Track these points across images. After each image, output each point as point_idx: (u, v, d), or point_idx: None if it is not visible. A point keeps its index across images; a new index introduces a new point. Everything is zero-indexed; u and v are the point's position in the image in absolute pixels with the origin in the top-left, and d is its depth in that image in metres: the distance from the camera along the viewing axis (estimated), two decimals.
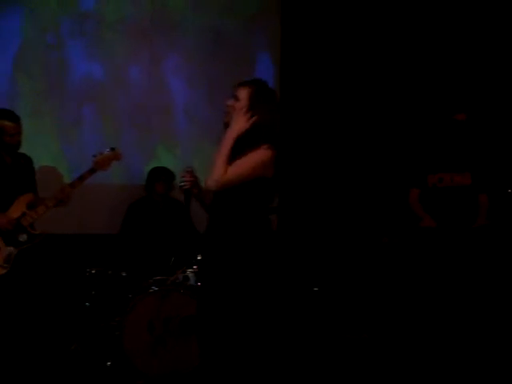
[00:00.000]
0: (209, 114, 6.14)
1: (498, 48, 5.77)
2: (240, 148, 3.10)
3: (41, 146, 5.57)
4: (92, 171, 4.41)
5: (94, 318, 4.59)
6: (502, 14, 5.73)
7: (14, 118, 4.40)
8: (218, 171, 3.05)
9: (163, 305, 4.38)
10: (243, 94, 3.14)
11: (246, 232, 3.09)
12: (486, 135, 5.44)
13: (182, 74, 6.25)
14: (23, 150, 4.58)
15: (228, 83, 6.17)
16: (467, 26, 5.89)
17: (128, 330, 4.35)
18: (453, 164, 4.75)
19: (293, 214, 6.05)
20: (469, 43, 5.89)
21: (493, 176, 4.80)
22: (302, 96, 6.43)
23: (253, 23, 6.41)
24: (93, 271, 4.70)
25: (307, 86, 6.42)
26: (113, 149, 4.48)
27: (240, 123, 3.09)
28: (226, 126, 3.17)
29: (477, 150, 4.82)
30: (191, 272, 4.69)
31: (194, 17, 6.23)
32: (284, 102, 6.44)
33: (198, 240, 5.44)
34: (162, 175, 5.46)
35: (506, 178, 5.15)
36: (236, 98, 3.15)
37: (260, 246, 3.10)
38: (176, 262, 4.84)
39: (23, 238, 4.36)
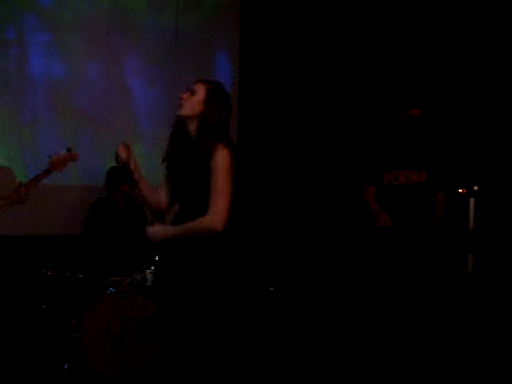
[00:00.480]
0: (169, 114, 6.09)
1: (451, 44, 5.84)
2: (198, 146, 3.09)
3: None
4: (47, 172, 4.34)
5: (50, 321, 4.54)
6: (454, 10, 5.81)
7: None
8: (203, 227, 3.04)
9: (120, 306, 4.36)
10: (201, 89, 3.16)
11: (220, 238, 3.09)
12: (442, 132, 5.49)
13: (141, 74, 6.22)
14: None
15: (188, 83, 6.27)
16: (419, 21, 5.96)
17: (85, 332, 4.31)
18: (408, 161, 4.72)
19: (249, 214, 6.06)
20: (422, 39, 5.95)
21: (449, 174, 4.80)
22: (261, 95, 6.44)
23: (212, 23, 6.40)
24: (49, 273, 4.64)
25: (266, 85, 6.44)
26: (69, 149, 4.41)
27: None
28: (179, 118, 3.19)
29: (433, 148, 4.82)
30: (149, 273, 4.66)
31: (152, 17, 6.20)
32: (243, 101, 6.46)
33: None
34: (128, 174, 5.41)
35: (463, 177, 5.21)
36: (192, 92, 3.15)
37: (229, 251, 3.13)
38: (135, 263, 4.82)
39: None
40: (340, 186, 6.07)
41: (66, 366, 4.41)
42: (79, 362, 4.33)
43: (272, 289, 2.85)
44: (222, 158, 3.04)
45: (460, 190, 4.62)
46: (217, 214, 3.01)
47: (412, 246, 4.40)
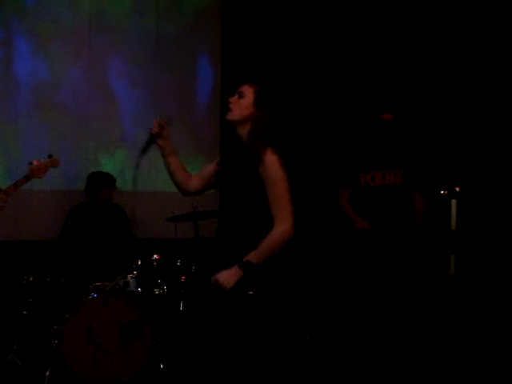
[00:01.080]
0: (151, 117, 6.07)
1: (423, 48, 5.88)
2: (249, 151, 3.04)
3: None
4: (26, 179, 4.29)
5: (31, 327, 4.49)
6: (426, 13, 5.86)
7: None
8: (276, 240, 3.00)
9: (103, 311, 4.32)
10: (249, 91, 3.12)
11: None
12: (417, 133, 5.51)
13: (123, 77, 6.19)
14: None
15: (170, 86, 6.27)
16: (390, 25, 6.01)
17: (67, 338, 4.26)
18: (384, 162, 4.75)
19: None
20: (394, 44, 6.00)
21: (424, 174, 4.82)
22: None
23: (193, 27, 6.40)
24: (30, 278, 4.59)
25: None
26: (50, 156, 4.36)
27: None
28: (230, 123, 3.13)
29: (407, 148, 4.85)
30: (132, 278, 4.64)
31: (134, 21, 6.19)
32: (225, 105, 6.44)
33: (134, 245, 5.42)
34: (108, 181, 5.39)
35: (440, 177, 5.23)
36: (240, 95, 3.11)
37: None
38: (117, 268, 4.79)
39: None
40: (321, 188, 6.06)
41: (47, 372, 4.36)
42: (61, 369, 4.28)
43: (251, 293, 2.85)
44: (273, 165, 3.00)
45: (442, 192, 4.64)
46: (285, 223, 2.99)
47: (395, 248, 4.41)
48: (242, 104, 3.08)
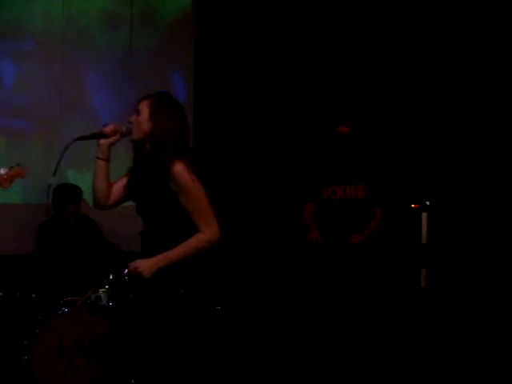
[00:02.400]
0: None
1: (380, 57, 5.96)
2: (155, 163, 3.02)
3: None
4: None
5: (0, 343, 4.42)
6: (382, 22, 5.94)
7: None
8: (202, 244, 3.01)
9: (74, 326, 4.27)
10: (144, 106, 3.07)
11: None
12: (378, 146, 5.55)
13: (95, 91, 6.16)
14: None
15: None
16: (347, 37, 6.10)
17: (37, 354, 4.21)
18: (346, 176, 4.78)
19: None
20: (350, 54, 6.08)
21: (386, 189, 4.85)
22: (215, 113, 6.46)
23: (166, 40, 6.41)
24: (0, 294, 4.54)
25: (220, 104, 6.46)
26: (18, 164, 4.18)
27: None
28: (133, 143, 3.13)
29: (369, 162, 4.88)
30: (103, 292, 4.60)
31: (107, 34, 6.18)
32: (197, 121, 6.46)
33: (109, 250, 5.38)
34: (74, 193, 5.35)
35: (401, 193, 5.27)
36: (137, 112, 3.08)
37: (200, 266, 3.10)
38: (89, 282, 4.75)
39: None
40: (285, 201, 6.06)
41: None
42: None
43: (219, 308, 2.84)
44: (182, 176, 2.96)
45: (412, 205, 4.69)
46: (211, 230, 3.00)
47: (335, 263, 4.43)
48: (140, 120, 3.06)
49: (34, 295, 4.60)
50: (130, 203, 6.12)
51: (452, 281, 5.18)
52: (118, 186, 3.22)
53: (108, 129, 3.11)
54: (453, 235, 5.34)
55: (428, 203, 4.72)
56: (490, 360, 4.46)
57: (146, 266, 2.99)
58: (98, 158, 3.16)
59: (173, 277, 3.02)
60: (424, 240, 4.72)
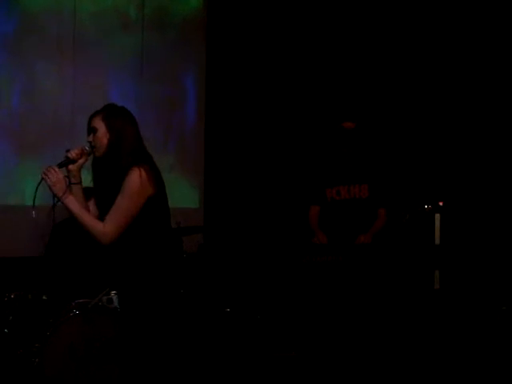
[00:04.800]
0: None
1: (388, 53, 5.92)
2: (113, 173, 3.14)
3: None
4: None
5: (12, 345, 4.42)
6: (386, 20, 5.90)
7: None
8: (95, 230, 3.14)
9: (85, 329, 4.27)
10: (97, 121, 3.20)
11: (151, 257, 3.18)
12: (383, 147, 5.51)
13: (106, 92, 6.16)
14: None
15: (154, 101, 6.26)
16: (352, 34, 6.08)
17: (48, 357, 4.21)
18: (350, 176, 4.73)
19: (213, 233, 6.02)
20: (354, 51, 6.04)
21: (390, 189, 4.80)
22: (227, 115, 6.45)
23: (178, 41, 6.41)
24: (11, 296, 4.55)
25: (232, 105, 6.45)
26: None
27: (59, 192, 3.13)
28: (101, 159, 3.21)
29: (374, 162, 4.83)
30: (115, 294, 4.59)
31: (118, 36, 6.18)
32: (209, 121, 6.46)
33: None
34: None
35: (414, 193, 5.22)
36: (93, 130, 3.20)
37: (164, 269, 3.19)
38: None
39: None
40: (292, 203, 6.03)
41: None
42: None
43: (229, 310, 2.84)
44: (130, 179, 3.07)
45: (426, 206, 4.64)
46: (111, 229, 3.11)
47: (343, 264, 4.39)
48: (99, 137, 3.18)
49: (45, 297, 4.59)
50: None
51: (466, 282, 5.13)
52: (93, 210, 3.33)
53: (74, 153, 3.20)
54: (466, 236, 5.29)
55: (441, 204, 4.67)
56: (503, 361, 4.41)
57: (57, 179, 3.13)
58: (72, 184, 3.24)
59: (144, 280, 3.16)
60: (437, 241, 4.67)
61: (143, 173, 3.08)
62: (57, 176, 3.12)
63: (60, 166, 3.21)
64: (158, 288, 3.17)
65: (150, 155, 3.24)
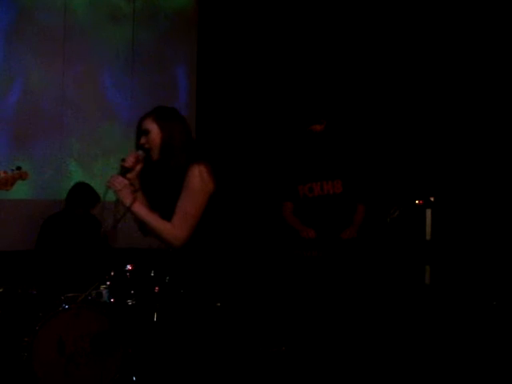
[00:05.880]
0: (127, 124, 6.08)
1: (353, 53, 5.92)
2: (172, 175, 3.09)
3: None
4: None
5: (1, 339, 4.40)
6: (358, 19, 5.89)
7: None
8: (167, 235, 3.07)
9: (74, 323, 4.24)
10: (148, 122, 3.14)
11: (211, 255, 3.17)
12: (354, 143, 5.48)
13: (97, 84, 6.13)
14: None
15: (145, 93, 6.22)
16: (323, 37, 6.07)
17: (37, 351, 4.18)
18: (321, 173, 4.72)
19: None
20: (324, 50, 6.03)
21: (365, 184, 4.79)
22: (218, 107, 6.42)
23: (169, 34, 6.39)
24: (0, 290, 4.51)
25: (223, 99, 6.43)
26: (19, 168, 4.20)
27: (126, 199, 3.09)
28: (152, 161, 3.15)
29: (346, 157, 4.82)
30: (104, 288, 4.57)
31: (109, 28, 6.14)
32: (199, 114, 6.43)
33: (110, 255, 5.35)
34: (90, 203, 5.30)
35: (419, 188, 5.22)
36: (146, 132, 3.14)
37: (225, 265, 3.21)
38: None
39: None
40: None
41: None
42: (31, 382, 4.20)
43: (219, 304, 2.83)
44: (193, 175, 3.04)
45: (417, 201, 4.64)
46: (180, 231, 3.05)
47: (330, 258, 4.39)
48: (152, 138, 3.13)
49: (34, 291, 4.57)
50: None
51: (456, 278, 5.14)
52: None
53: (130, 161, 3.14)
54: (457, 232, 5.29)
55: (432, 199, 4.66)
56: (494, 357, 4.42)
57: (120, 182, 3.09)
58: (135, 192, 3.16)
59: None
60: (428, 236, 4.67)
61: (203, 169, 3.06)
62: (122, 183, 3.08)
63: (120, 175, 3.15)
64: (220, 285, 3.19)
65: (203, 151, 3.20)
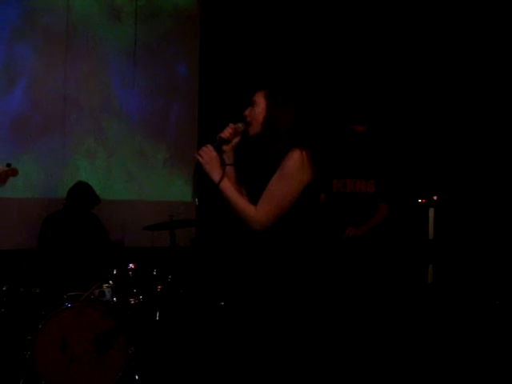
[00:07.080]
0: (128, 122, 6.07)
1: (395, 58, 5.91)
2: (269, 157, 2.90)
3: None
4: None
5: (4, 337, 4.40)
6: (397, 22, 5.88)
7: None
8: (247, 216, 2.85)
9: (77, 321, 4.24)
10: (259, 96, 2.99)
11: (304, 249, 2.91)
12: (390, 143, 5.51)
13: (99, 82, 6.13)
14: None
15: (147, 91, 6.22)
16: (363, 36, 6.04)
17: (40, 350, 4.17)
18: (358, 171, 4.76)
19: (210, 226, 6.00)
20: (367, 53, 6.02)
21: (395, 186, 4.81)
22: (220, 106, 6.42)
23: (171, 32, 6.39)
24: (3, 288, 4.51)
25: (226, 97, 6.42)
26: (8, 165, 4.18)
27: (213, 174, 2.89)
28: (253, 138, 2.99)
29: (382, 159, 4.84)
30: (107, 287, 4.57)
31: (111, 26, 6.14)
32: (202, 112, 6.43)
33: (112, 253, 5.35)
34: (89, 203, 5.28)
35: (409, 188, 5.21)
36: (252, 104, 3.00)
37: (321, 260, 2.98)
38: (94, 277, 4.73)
39: None
40: None
41: None
42: (34, 380, 4.20)
43: (223, 303, 2.82)
44: (290, 159, 2.82)
45: (420, 200, 4.64)
46: (264, 214, 2.83)
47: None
48: (256, 112, 2.96)
49: (37, 290, 4.57)
50: (134, 197, 6.17)
51: (459, 276, 5.14)
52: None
53: (227, 132, 2.99)
54: (460, 231, 5.29)
55: (435, 198, 4.66)
56: (497, 355, 4.42)
57: (210, 156, 2.90)
58: (227, 165, 2.98)
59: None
60: (431, 235, 4.67)
61: (305, 156, 2.82)
62: (210, 154, 2.88)
63: (213, 147, 2.96)
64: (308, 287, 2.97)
65: (314, 143, 2.96)
